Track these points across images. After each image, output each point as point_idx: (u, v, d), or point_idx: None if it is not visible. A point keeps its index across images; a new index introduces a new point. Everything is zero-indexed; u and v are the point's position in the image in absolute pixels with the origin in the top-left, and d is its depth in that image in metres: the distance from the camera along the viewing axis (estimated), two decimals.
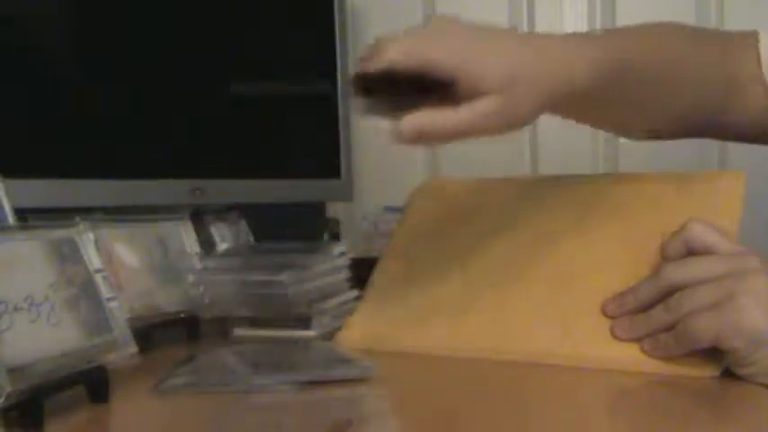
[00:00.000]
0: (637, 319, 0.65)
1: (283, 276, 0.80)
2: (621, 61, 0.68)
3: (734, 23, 1.53)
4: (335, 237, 1.36)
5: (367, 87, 0.62)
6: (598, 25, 1.59)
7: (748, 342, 0.58)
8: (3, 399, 0.50)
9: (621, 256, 0.70)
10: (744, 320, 0.58)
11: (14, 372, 0.51)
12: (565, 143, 1.60)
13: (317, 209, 1.50)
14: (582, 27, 1.59)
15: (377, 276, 0.84)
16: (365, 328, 0.79)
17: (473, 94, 0.59)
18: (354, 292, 0.91)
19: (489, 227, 0.79)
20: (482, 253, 0.76)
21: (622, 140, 1.59)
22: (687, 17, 1.55)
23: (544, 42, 0.65)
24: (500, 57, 0.61)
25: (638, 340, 0.65)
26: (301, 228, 1.31)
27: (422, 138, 0.60)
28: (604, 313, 0.68)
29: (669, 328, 0.63)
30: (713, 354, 0.61)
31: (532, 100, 0.62)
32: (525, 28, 1.61)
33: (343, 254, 0.90)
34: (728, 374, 0.61)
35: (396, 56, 0.59)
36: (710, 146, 1.56)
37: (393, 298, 0.79)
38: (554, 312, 0.70)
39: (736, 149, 1.53)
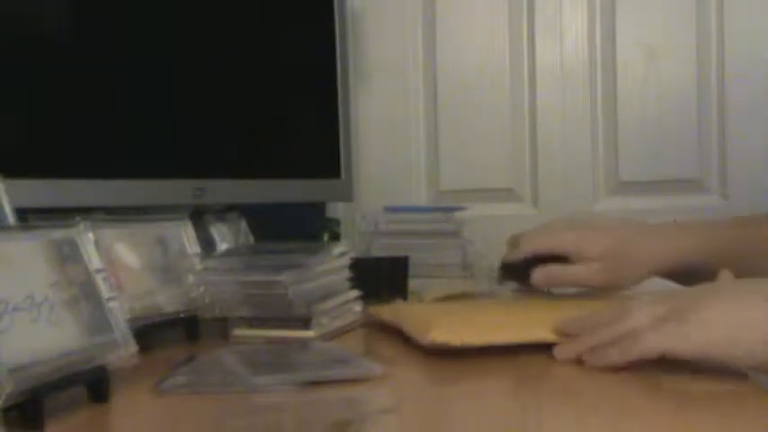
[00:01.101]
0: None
1: (283, 276, 0.80)
2: (720, 248, 0.86)
3: (734, 24, 1.53)
4: (335, 237, 1.37)
5: (506, 268, 0.94)
6: (597, 26, 1.59)
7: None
8: (3, 399, 0.50)
9: None
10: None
11: (15, 372, 0.51)
12: (565, 145, 1.60)
13: (317, 209, 1.50)
14: (582, 27, 1.59)
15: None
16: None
17: (585, 260, 0.87)
18: (354, 293, 0.91)
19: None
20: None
21: (622, 147, 1.59)
22: (687, 17, 1.55)
23: (648, 227, 0.90)
24: (604, 236, 0.88)
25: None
26: (301, 228, 1.31)
27: (549, 282, 0.90)
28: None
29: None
30: None
31: (632, 267, 0.87)
32: (525, 28, 1.61)
33: (343, 254, 0.90)
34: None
35: (529, 249, 0.90)
36: (711, 149, 1.56)
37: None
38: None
39: (736, 152, 1.53)
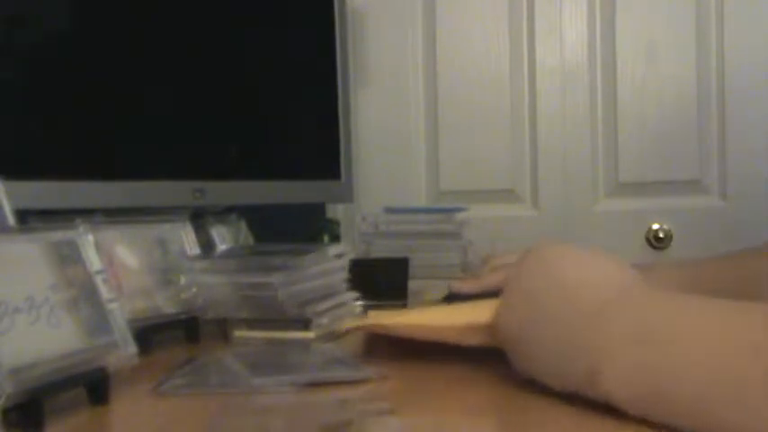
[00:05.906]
0: None
1: (273, 278, 0.80)
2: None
3: (734, 24, 1.53)
4: (335, 238, 1.37)
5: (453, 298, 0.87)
6: (597, 26, 1.59)
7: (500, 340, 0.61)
8: (3, 400, 0.50)
9: None
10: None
11: (15, 373, 0.51)
12: (565, 146, 1.61)
13: (316, 210, 1.50)
14: (582, 27, 1.60)
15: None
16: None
17: None
18: (353, 294, 0.90)
19: None
20: None
21: (622, 148, 1.59)
22: (687, 17, 1.55)
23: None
24: None
25: None
26: (301, 229, 1.31)
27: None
28: None
29: None
30: None
31: None
32: (525, 28, 1.61)
33: (340, 255, 0.89)
34: None
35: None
36: (711, 149, 1.56)
37: None
38: None
39: (736, 152, 1.54)
